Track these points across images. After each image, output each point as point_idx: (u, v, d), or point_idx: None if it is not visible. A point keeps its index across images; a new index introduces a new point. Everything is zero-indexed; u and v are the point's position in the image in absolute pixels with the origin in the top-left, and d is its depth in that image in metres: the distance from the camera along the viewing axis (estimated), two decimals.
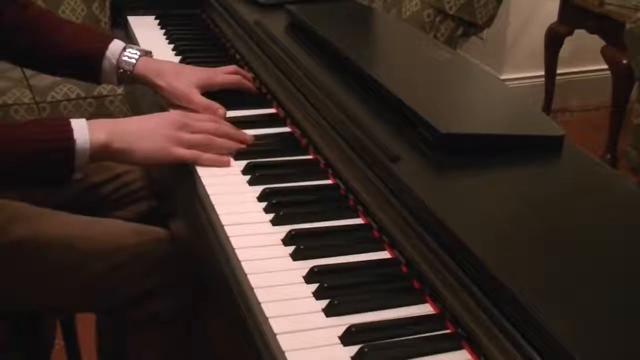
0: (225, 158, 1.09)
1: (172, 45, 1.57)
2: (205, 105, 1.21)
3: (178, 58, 1.51)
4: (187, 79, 1.24)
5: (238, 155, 1.11)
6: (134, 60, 1.27)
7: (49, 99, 2.36)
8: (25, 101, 2.33)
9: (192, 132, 1.09)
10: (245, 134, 1.14)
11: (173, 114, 1.13)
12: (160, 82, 1.25)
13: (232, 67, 1.34)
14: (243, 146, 1.12)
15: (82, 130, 1.01)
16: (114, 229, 1.17)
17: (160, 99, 1.28)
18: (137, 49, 1.29)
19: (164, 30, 1.66)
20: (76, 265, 1.12)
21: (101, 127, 1.03)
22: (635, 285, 0.77)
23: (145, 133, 1.06)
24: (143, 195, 1.35)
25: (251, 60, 1.42)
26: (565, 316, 0.70)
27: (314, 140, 1.13)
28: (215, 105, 1.22)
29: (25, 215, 1.13)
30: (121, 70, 1.27)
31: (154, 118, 1.11)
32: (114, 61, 1.27)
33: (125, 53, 1.27)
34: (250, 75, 1.34)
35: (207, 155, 1.08)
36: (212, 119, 1.14)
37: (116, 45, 1.28)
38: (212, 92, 1.31)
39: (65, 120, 1.02)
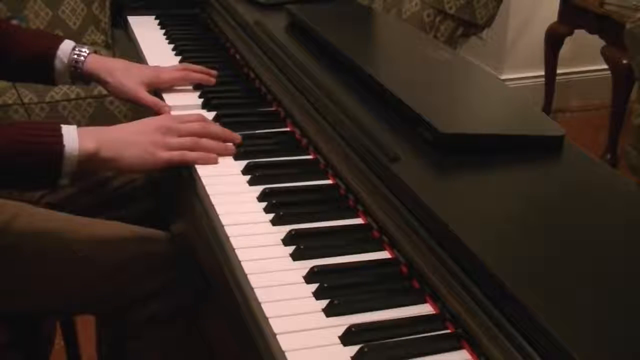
0: (212, 156, 1.09)
1: (172, 45, 1.58)
2: (151, 102, 1.25)
3: (178, 58, 1.51)
4: (136, 77, 1.28)
5: (238, 155, 1.11)
6: (83, 58, 1.29)
7: (47, 99, 2.36)
8: (25, 101, 2.33)
9: (179, 135, 1.09)
10: (233, 133, 1.14)
11: (158, 119, 1.14)
12: (109, 78, 1.28)
13: (180, 65, 1.38)
14: (231, 146, 1.12)
15: (72, 137, 1.01)
16: (113, 231, 1.17)
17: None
18: (87, 47, 1.31)
19: (164, 30, 1.66)
20: (76, 267, 1.12)
21: (91, 135, 1.03)
22: (635, 285, 0.77)
23: (132, 140, 1.06)
24: (143, 194, 1.35)
25: (251, 60, 1.42)
26: (565, 316, 0.70)
27: (314, 140, 1.13)
28: (160, 103, 1.25)
29: (25, 215, 1.13)
30: (72, 68, 1.29)
31: (140, 124, 1.11)
32: (65, 60, 1.29)
33: (75, 51, 1.29)
34: (199, 69, 1.36)
35: (193, 154, 1.08)
36: (199, 120, 1.14)
37: (67, 44, 1.30)
38: (209, 92, 1.32)
39: (56, 124, 1.02)
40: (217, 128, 1.14)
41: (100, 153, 1.03)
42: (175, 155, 1.07)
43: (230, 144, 1.12)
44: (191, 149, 1.08)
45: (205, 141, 1.10)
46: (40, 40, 1.31)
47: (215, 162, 1.09)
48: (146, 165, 1.07)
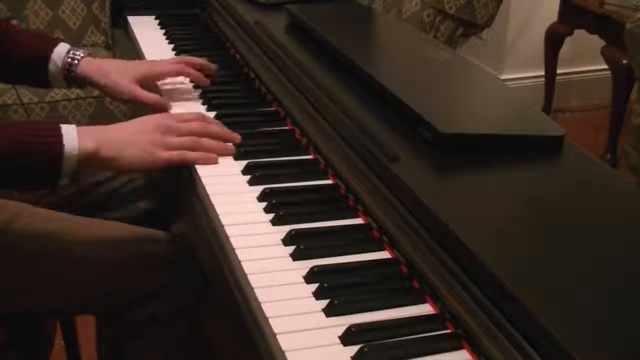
0: (212, 156, 1.09)
1: (172, 45, 1.58)
2: (151, 100, 1.23)
3: (178, 58, 1.51)
4: (130, 74, 1.26)
5: (238, 155, 1.11)
6: (76, 61, 1.27)
7: (48, 99, 2.36)
8: (25, 101, 2.33)
9: (179, 135, 1.09)
10: (233, 133, 1.14)
11: (157, 118, 1.13)
12: (103, 80, 1.26)
13: (179, 58, 1.36)
14: (231, 146, 1.12)
15: (72, 137, 1.00)
16: (114, 231, 1.17)
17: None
18: (82, 51, 1.29)
19: (164, 30, 1.66)
20: (76, 267, 1.12)
21: (90, 135, 1.03)
22: (635, 285, 0.77)
23: (131, 140, 1.06)
24: (143, 194, 1.35)
25: (251, 60, 1.42)
26: (565, 316, 0.70)
27: (314, 140, 1.13)
28: (161, 100, 1.24)
29: (26, 215, 1.13)
30: (66, 72, 1.27)
31: (139, 123, 1.10)
32: (59, 63, 1.27)
33: (70, 54, 1.27)
34: (198, 63, 1.35)
35: (193, 154, 1.08)
36: (199, 119, 1.14)
37: (61, 47, 1.28)
38: (209, 92, 1.32)
39: (56, 124, 1.02)
40: (217, 127, 1.13)
41: (99, 152, 1.03)
42: (175, 155, 1.07)
43: (230, 144, 1.12)
44: (191, 148, 1.08)
45: (205, 140, 1.10)
46: (36, 42, 1.30)
47: (215, 162, 1.09)
48: (145, 165, 1.07)
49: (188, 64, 1.33)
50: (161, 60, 1.35)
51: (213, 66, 1.36)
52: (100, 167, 1.09)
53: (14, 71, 1.31)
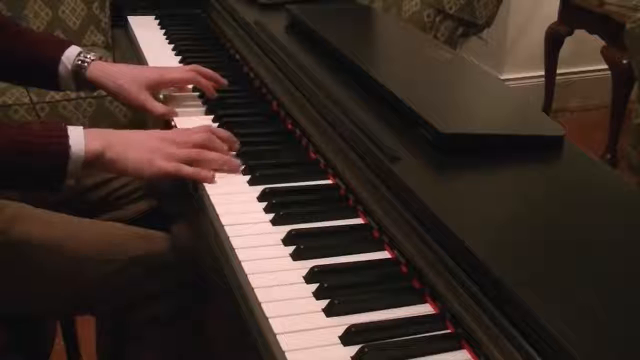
0: (209, 174, 1.06)
1: (172, 45, 1.58)
2: (161, 111, 1.22)
3: (178, 58, 1.51)
4: (140, 81, 1.25)
5: (238, 156, 1.11)
6: (86, 64, 1.26)
7: (48, 98, 2.36)
8: (25, 101, 2.33)
9: (183, 147, 1.07)
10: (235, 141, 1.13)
11: (165, 131, 1.12)
12: (111, 85, 1.25)
13: (191, 66, 1.34)
14: (234, 159, 1.10)
15: (79, 138, 1.00)
16: (114, 232, 1.17)
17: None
18: (93, 54, 1.28)
19: (164, 30, 1.67)
20: (76, 268, 1.12)
21: (97, 137, 1.03)
22: (635, 285, 0.77)
23: (135, 144, 1.05)
24: (143, 195, 1.35)
25: (251, 60, 1.42)
26: (565, 316, 0.70)
27: (314, 140, 1.13)
28: (170, 111, 1.23)
29: (26, 216, 1.13)
30: (75, 75, 1.26)
31: (146, 133, 1.10)
32: (69, 66, 1.26)
33: (80, 57, 1.26)
34: (210, 75, 1.32)
35: (189, 169, 1.06)
36: (206, 131, 1.12)
37: (72, 50, 1.27)
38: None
39: (62, 124, 1.02)
40: (220, 143, 1.12)
41: (105, 154, 1.03)
42: (170, 167, 1.05)
43: (237, 161, 1.10)
44: (193, 159, 1.07)
45: (209, 155, 1.08)
46: (47, 44, 1.29)
47: (210, 181, 1.05)
48: (143, 170, 1.05)
49: (199, 73, 1.31)
50: (172, 67, 1.34)
51: (224, 82, 1.33)
52: (103, 169, 1.09)
53: (24, 73, 1.30)
